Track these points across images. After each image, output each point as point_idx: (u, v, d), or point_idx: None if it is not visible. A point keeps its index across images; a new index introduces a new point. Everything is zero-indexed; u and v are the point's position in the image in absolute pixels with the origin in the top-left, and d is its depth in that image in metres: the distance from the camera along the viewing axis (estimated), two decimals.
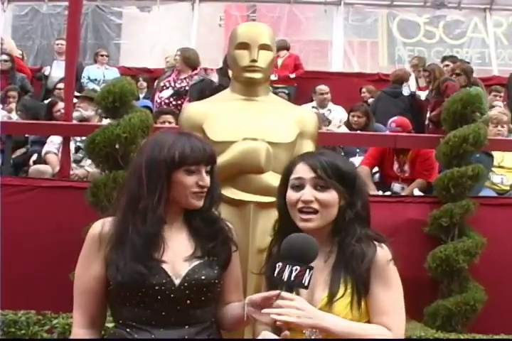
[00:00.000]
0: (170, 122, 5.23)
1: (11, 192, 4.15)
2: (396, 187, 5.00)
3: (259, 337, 1.68)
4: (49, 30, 10.38)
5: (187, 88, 6.70)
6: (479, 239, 3.94)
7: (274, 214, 2.05)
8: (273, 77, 7.20)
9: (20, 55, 8.45)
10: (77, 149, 5.11)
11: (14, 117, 6.30)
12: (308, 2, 10.48)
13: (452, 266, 3.85)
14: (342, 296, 1.72)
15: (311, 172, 1.80)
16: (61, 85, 6.47)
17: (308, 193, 1.79)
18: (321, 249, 1.80)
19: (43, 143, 5.48)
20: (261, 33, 2.62)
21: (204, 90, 6.49)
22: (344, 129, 6.18)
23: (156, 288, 1.77)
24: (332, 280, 1.75)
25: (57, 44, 8.16)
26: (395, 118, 5.59)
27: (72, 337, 1.87)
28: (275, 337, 1.64)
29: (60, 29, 9.68)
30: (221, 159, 2.37)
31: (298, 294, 1.73)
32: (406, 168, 5.11)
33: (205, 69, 6.93)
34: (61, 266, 3.76)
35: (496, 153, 4.88)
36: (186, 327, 1.80)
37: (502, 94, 7.37)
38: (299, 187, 1.81)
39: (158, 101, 6.72)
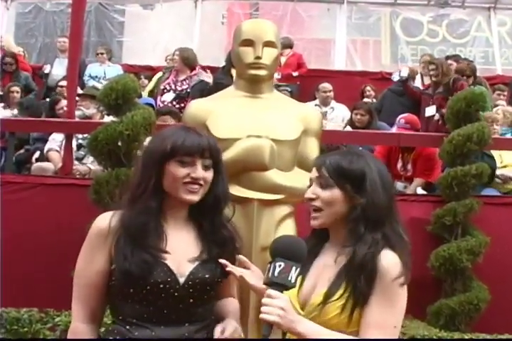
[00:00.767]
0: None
1: (14, 189, 4.16)
2: (399, 185, 4.99)
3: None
4: (52, 27, 10.36)
5: (188, 90, 6.68)
6: (483, 238, 3.93)
7: (277, 212, 2.05)
8: (276, 76, 7.18)
9: (21, 52, 8.43)
10: (79, 147, 5.10)
11: (15, 112, 6.28)
12: (311, 0, 10.45)
13: (456, 265, 3.84)
14: (338, 298, 1.70)
15: (315, 172, 1.84)
16: (63, 83, 6.47)
17: (310, 191, 1.82)
18: (336, 246, 1.80)
19: (45, 141, 5.47)
20: (265, 30, 2.61)
21: (204, 90, 6.51)
22: (347, 128, 6.17)
23: (161, 286, 1.76)
24: (334, 280, 1.74)
25: (60, 41, 8.14)
26: (404, 115, 5.57)
27: (71, 330, 1.84)
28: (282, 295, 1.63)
29: (63, 27, 9.67)
30: (225, 156, 2.35)
31: (298, 292, 1.73)
32: (409, 166, 5.11)
33: (203, 68, 6.93)
34: (63, 263, 3.73)
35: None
36: (186, 324, 1.80)
37: (506, 93, 7.34)
38: (309, 187, 1.86)
39: (161, 105, 6.67)
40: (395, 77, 7.14)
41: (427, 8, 10.50)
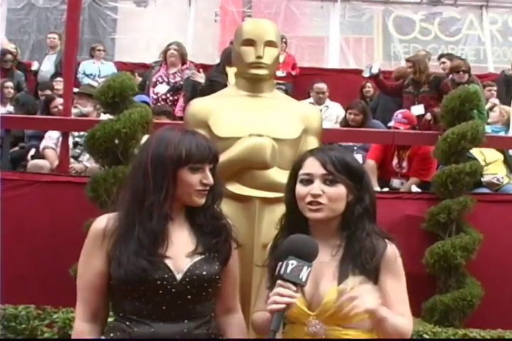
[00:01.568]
0: None
1: (10, 186, 4.15)
2: (395, 182, 5.03)
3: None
4: (45, 24, 10.33)
5: (181, 83, 6.72)
6: (476, 235, 3.97)
7: (279, 210, 2.07)
8: (280, 73, 7.24)
9: (13, 49, 8.40)
10: (75, 145, 5.10)
11: (9, 109, 6.27)
12: None
13: (450, 262, 3.88)
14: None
15: (320, 167, 1.84)
16: (58, 79, 6.48)
17: (317, 187, 1.82)
18: (328, 243, 1.84)
19: (40, 138, 5.47)
20: (266, 30, 2.63)
21: (196, 84, 6.54)
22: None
23: (158, 282, 1.79)
24: (341, 273, 1.78)
25: (49, 38, 8.13)
26: (402, 110, 5.61)
27: (74, 329, 1.89)
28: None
29: (57, 23, 9.65)
30: (227, 155, 2.40)
31: (303, 293, 1.77)
32: (404, 164, 5.14)
33: (198, 69, 6.97)
34: (60, 260, 3.79)
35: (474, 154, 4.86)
36: (186, 321, 1.82)
37: (495, 88, 7.39)
38: (308, 181, 1.85)
39: (155, 97, 6.72)
40: (366, 73, 7.12)
41: (420, 7, 10.57)
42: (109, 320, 1.97)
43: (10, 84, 6.81)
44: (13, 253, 3.88)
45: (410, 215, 4.11)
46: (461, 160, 4.10)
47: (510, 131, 5.77)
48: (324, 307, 1.78)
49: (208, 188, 1.86)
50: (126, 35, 10.40)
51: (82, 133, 4.86)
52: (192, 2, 10.16)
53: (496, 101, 7.04)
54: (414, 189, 4.91)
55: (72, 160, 4.94)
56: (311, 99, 7.29)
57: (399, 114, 5.52)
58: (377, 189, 4.90)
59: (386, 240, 1.85)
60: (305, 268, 1.67)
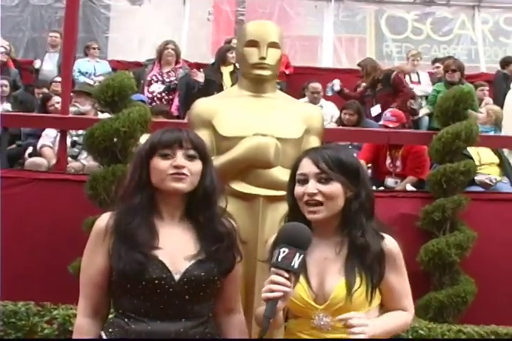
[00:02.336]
0: None
1: (8, 184, 4.16)
2: (390, 181, 5.08)
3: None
4: (39, 22, 10.29)
5: (176, 82, 6.74)
6: (470, 233, 4.02)
7: (282, 208, 2.11)
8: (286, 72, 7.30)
9: (7, 46, 8.37)
10: (73, 144, 5.12)
11: (7, 107, 6.27)
12: None
13: (444, 260, 3.94)
14: (359, 287, 1.81)
15: (313, 167, 1.87)
16: (57, 79, 6.47)
17: (312, 186, 1.86)
18: (331, 240, 1.89)
19: (37, 136, 5.48)
20: (270, 31, 2.68)
21: (190, 83, 6.57)
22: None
23: (156, 282, 1.82)
24: (347, 270, 1.83)
25: (51, 36, 8.11)
26: (390, 109, 5.70)
27: (75, 325, 1.93)
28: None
29: (51, 21, 9.63)
30: (231, 154, 2.45)
31: (297, 280, 1.80)
32: (398, 163, 5.19)
33: (195, 70, 6.99)
34: (59, 257, 3.82)
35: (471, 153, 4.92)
36: (183, 320, 1.85)
37: (487, 88, 7.45)
38: (304, 181, 1.89)
39: (150, 96, 6.72)
40: (328, 92, 7.28)
41: (413, 6, 10.61)
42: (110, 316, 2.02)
43: (5, 82, 6.80)
44: (12, 250, 3.89)
45: (405, 213, 4.16)
46: (456, 159, 4.16)
47: (503, 131, 5.82)
48: (332, 301, 1.82)
49: (181, 172, 1.86)
50: (120, 34, 10.37)
51: (80, 132, 4.88)
52: (186, 1, 10.16)
53: (489, 100, 7.10)
54: (409, 188, 4.96)
55: (69, 159, 4.96)
56: (305, 99, 7.33)
57: (387, 112, 5.61)
58: (373, 188, 4.95)
59: (386, 236, 1.88)
60: (297, 255, 1.69)
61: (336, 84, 7.24)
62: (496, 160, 5.17)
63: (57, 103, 5.47)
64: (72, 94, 5.27)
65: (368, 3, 10.63)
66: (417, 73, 7.78)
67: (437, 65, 7.75)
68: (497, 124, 5.93)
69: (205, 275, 1.86)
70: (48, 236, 4.00)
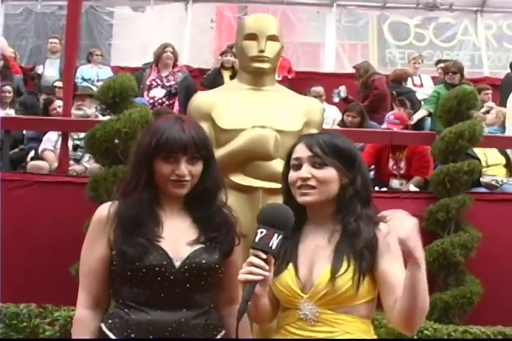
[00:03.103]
0: None
1: (10, 187, 4.17)
2: (395, 183, 5.04)
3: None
4: (43, 29, 10.35)
5: (176, 86, 6.70)
6: (475, 233, 4.00)
7: (281, 200, 2.08)
8: (276, 77, 7.27)
9: (12, 53, 8.42)
10: (76, 147, 5.11)
11: (10, 113, 6.29)
12: (300, 3, 10.50)
13: (449, 260, 3.91)
14: (345, 272, 1.74)
15: (307, 151, 1.82)
16: (58, 83, 6.48)
17: (305, 171, 1.80)
18: (325, 227, 1.83)
19: (39, 140, 5.48)
20: (269, 24, 2.68)
21: (190, 86, 6.56)
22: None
23: (156, 269, 1.79)
24: (335, 256, 1.77)
25: (51, 43, 8.14)
26: (393, 111, 5.67)
27: (75, 317, 1.89)
28: None
29: (55, 29, 9.66)
30: (231, 146, 2.44)
31: (297, 275, 1.76)
32: (402, 164, 5.16)
33: (191, 71, 6.99)
34: (61, 259, 3.80)
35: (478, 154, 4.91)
36: (184, 310, 1.81)
37: (491, 92, 7.44)
38: (298, 166, 1.83)
39: (151, 101, 6.69)
40: (335, 99, 7.26)
41: (416, 12, 10.60)
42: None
43: (8, 88, 6.82)
44: (14, 252, 3.90)
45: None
46: (459, 159, 4.14)
47: (507, 131, 5.81)
48: (316, 288, 1.76)
49: (184, 179, 1.84)
50: (123, 40, 10.42)
51: (82, 135, 4.88)
52: (189, 8, 10.20)
53: (492, 104, 7.09)
54: (412, 188, 4.94)
55: (72, 162, 4.95)
56: None
57: (390, 115, 5.58)
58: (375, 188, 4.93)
59: (380, 223, 1.79)
60: (275, 235, 1.64)
61: (343, 91, 7.23)
62: (503, 160, 5.16)
63: (59, 107, 5.48)
64: (76, 97, 5.29)
65: (370, 9, 10.63)
66: (420, 76, 7.77)
67: (441, 65, 7.74)
68: (504, 126, 5.93)
69: (206, 262, 1.83)
70: (50, 238, 3.99)
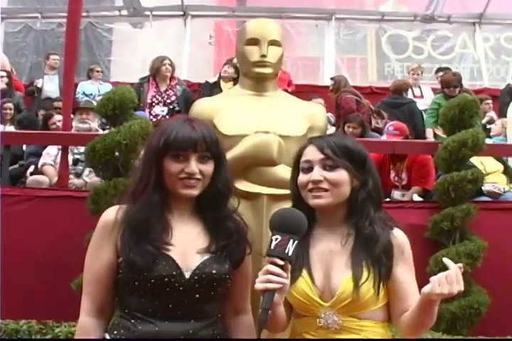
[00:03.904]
0: None
1: (10, 202, 4.13)
2: (396, 194, 5.00)
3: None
4: (42, 47, 10.39)
5: (177, 102, 6.66)
6: (481, 242, 3.94)
7: (286, 206, 2.04)
8: None
9: (13, 70, 8.45)
10: (76, 162, 5.08)
11: (9, 129, 6.27)
12: (299, 17, 10.53)
13: None
14: (366, 280, 1.71)
15: (318, 153, 1.79)
16: (58, 104, 6.46)
17: (317, 173, 1.77)
18: (337, 231, 1.80)
19: (39, 155, 5.46)
20: (270, 29, 2.65)
21: (189, 98, 6.53)
22: None
23: (166, 279, 1.73)
24: (354, 263, 1.73)
25: (53, 59, 8.15)
26: (392, 122, 5.65)
27: (78, 324, 1.82)
28: None
29: (54, 46, 9.69)
30: (234, 152, 2.39)
31: (313, 283, 1.72)
32: (403, 175, 5.12)
33: (190, 85, 6.98)
34: (61, 275, 3.76)
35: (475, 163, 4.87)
36: (192, 321, 1.76)
37: (491, 102, 7.43)
38: (308, 169, 1.80)
39: (154, 119, 6.63)
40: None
41: (414, 24, 10.63)
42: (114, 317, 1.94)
43: (9, 105, 6.81)
44: (14, 268, 3.86)
45: (413, 224, 4.07)
46: (462, 168, 4.10)
47: (508, 140, 5.78)
48: (339, 297, 1.72)
49: (194, 178, 1.79)
50: (122, 57, 10.45)
51: (82, 149, 4.86)
52: (187, 23, 10.24)
53: (493, 114, 7.08)
54: (416, 198, 4.89)
55: (72, 177, 4.92)
56: None
57: (390, 126, 5.55)
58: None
59: (394, 228, 1.80)
60: (290, 241, 1.60)
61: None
62: (501, 167, 5.12)
63: (59, 121, 5.47)
64: (79, 111, 5.27)
65: (368, 22, 10.67)
66: (420, 87, 7.77)
67: (441, 74, 7.74)
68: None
69: (217, 272, 1.78)
70: (50, 253, 3.95)
